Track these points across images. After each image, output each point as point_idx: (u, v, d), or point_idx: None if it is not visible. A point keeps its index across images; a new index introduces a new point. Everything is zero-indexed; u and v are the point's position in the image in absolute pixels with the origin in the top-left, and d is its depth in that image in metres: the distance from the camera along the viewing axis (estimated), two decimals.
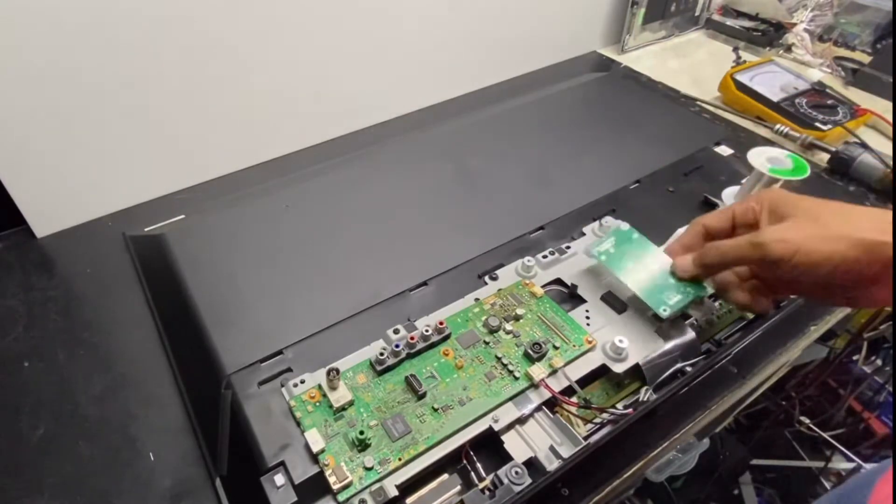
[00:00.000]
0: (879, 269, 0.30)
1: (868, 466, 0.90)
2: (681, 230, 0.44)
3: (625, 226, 0.44)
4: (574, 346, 0.40)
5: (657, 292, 0.39)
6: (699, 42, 0.92)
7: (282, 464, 0.34)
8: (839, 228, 0.31)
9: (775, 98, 0.70)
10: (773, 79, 0.73)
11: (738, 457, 0.93)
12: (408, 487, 0.34)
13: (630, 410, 0.38)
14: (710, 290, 0.39)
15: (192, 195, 0.59)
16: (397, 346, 0.39)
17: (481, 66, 0.77)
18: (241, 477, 0.35)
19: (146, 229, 0.54)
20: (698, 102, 0.74)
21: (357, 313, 0.44)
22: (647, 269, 0.41)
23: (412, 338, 0.39)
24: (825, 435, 0.93)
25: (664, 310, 0.38)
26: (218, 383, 0.39)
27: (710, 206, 0.54)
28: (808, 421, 0.94)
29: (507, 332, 0.40)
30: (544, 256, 0.47)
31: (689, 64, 0.85)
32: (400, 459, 0.34)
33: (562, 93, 0.74)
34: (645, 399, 0.39)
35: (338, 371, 0.36)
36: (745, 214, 0.36)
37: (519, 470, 0.33)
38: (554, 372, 0.38)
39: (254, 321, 0.44)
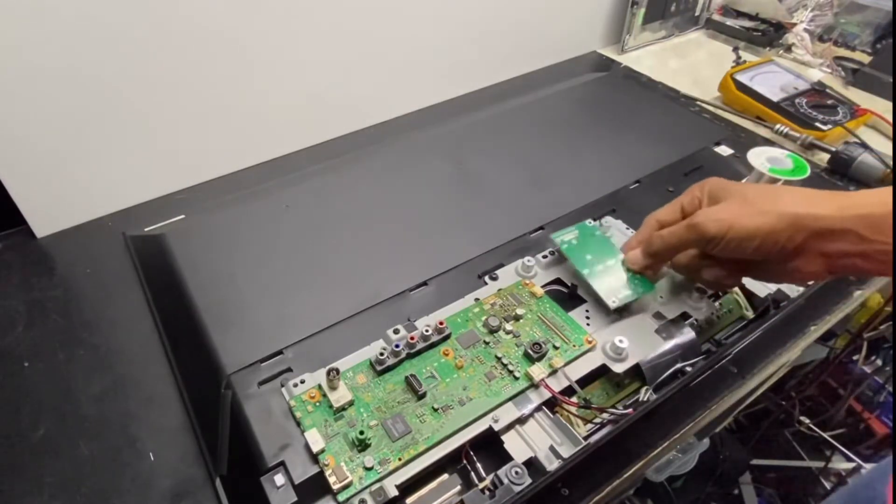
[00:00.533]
0: (803, 240, 0.33)
1: (868, 466, 0.90)
2: None
3: (591, 222, 0.46)
4: (574, 346, 0.39)
5: (608, 283, 0.42)
6: (699, 42, 0.92)
7: (282, 464, 0.34)
8: (764, 205, 0.34)
9: (775, 98, 0.70)
10: (773, 79, 0.73)
11: (738, 457, 0.93)
12: (408, 487, 0.34)
13: (630, 410, 0.38)
14: (655, 287, 0.42)
15: (192, 195, 0.59)
16: (397, 346, 0.39)
17: (481, 66, 0.77)
18: (241, 477, 0.35)
19: (146, 229, 0.54)
20: (698, 102, 0.74)
21: (357, 313, 0.44)
22: (604, 263, 0.43)
23: (412, 338, 0.39)
24: (825, 435, 0.93)
25: (613, 301, 0.41)
26: (218, 383, 0.39)
27: None
28: (808, 421, 0.94)
29: (507, 332, 0.40)
30: (544, 256, 0.47)
31: (689, 64, 0.85)
32: (400, 459, 0.34)
33: (562, 93, 0.74)
34: (645, 399, 0.39)
35: (338, 371, 0.36)
36: (692, 203, 0.38)
37: (519, 470, 0.33)
38: (554, 372, 0.38)
39: (254, 321, 0.44)
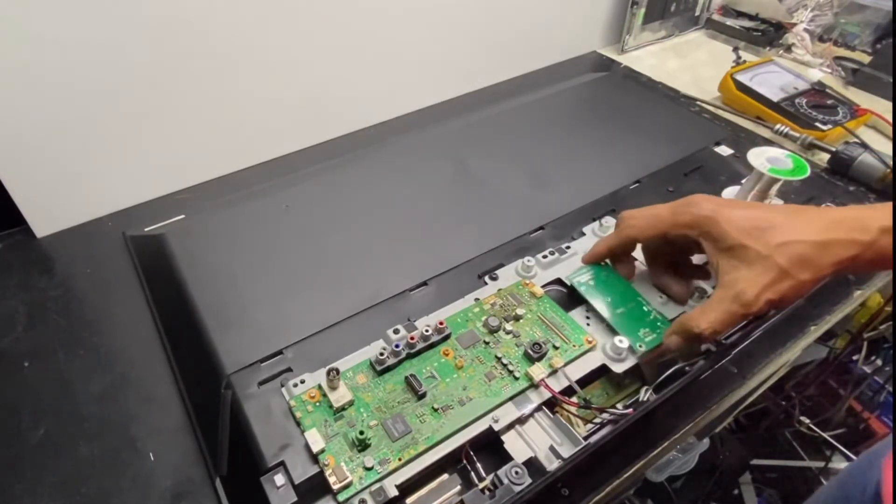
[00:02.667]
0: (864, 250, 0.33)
1: None
2: None
3: (604, 264, 0.45)
4: (574, 346, 0.39)
5: (633, 328, 0.40)
6: (699, 42, 0.92)
7: (282, 464, 0.34)
8: (784, 262, 0.33)
9: (775, 98, 0.70)
10: (773, 79, 0.73)
11: (738, 457, 0.93)
12: (408, 487, 0.34)
13: (630, 410, 0.38)
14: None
15: (192, 195, 0.59)
16: (397, 346, 0.39)
17: (481, 66, 0.77)
18: (241, 477, 0.35)
19: (146, 229, 0.54)
20: (698, 102, 0.74)
21: (357, 313, 0.44)
22: (624, 303, 0.42)
23: (412, 338, 0.39)
24: (825, 435, 0.93)
25: (640, 345, 0.39)
26: (218, 383, 0.39)
27: None
28: (808, 421, 0.94)
29: (507, 332, 0.40)
30: (544, 256, 0.47)
31: (689, 64, 0.85)
32: (400, 459, 0.34)
33: (562, 93, 0.74)
34: (645, 399, 0.39)
35: (338, 371, 0.36)
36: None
37: (519, 470, 0.33)
38: (554, 372, 0.38)
39: (254, 321, 0.44)
